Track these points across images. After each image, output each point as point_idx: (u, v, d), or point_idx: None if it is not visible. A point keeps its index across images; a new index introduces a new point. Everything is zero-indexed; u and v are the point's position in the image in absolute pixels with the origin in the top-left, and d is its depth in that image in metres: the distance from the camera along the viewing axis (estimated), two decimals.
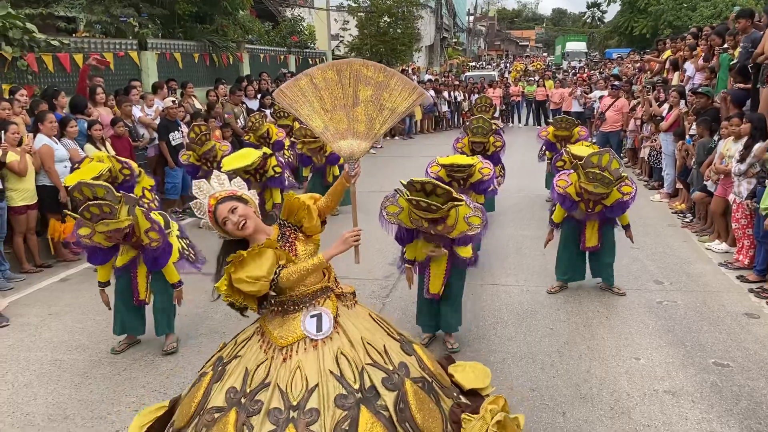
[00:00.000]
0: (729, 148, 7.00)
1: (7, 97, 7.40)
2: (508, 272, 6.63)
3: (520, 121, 22.23)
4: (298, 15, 23.17)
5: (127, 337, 4.99)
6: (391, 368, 2.95)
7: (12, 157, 6.53)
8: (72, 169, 6.50)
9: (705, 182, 7.57)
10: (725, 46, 9.49)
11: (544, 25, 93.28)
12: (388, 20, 24.98)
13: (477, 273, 6.44)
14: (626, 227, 5.92)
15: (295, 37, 20.48)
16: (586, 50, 50.37)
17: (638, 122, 12.00)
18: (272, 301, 3.03)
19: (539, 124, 19.60)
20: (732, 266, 6.63)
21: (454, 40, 51.27)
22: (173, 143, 9.26)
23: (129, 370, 4.63)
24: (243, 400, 2.84)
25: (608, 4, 39.77)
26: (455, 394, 3.25)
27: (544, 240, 6.12)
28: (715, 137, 7.63)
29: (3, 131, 6.55)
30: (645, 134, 11.47)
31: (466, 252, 4.63)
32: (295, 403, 2.79)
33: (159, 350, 4.89)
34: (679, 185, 9.41)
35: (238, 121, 11.13)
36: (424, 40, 33.89)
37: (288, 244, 3.06)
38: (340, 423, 2.74)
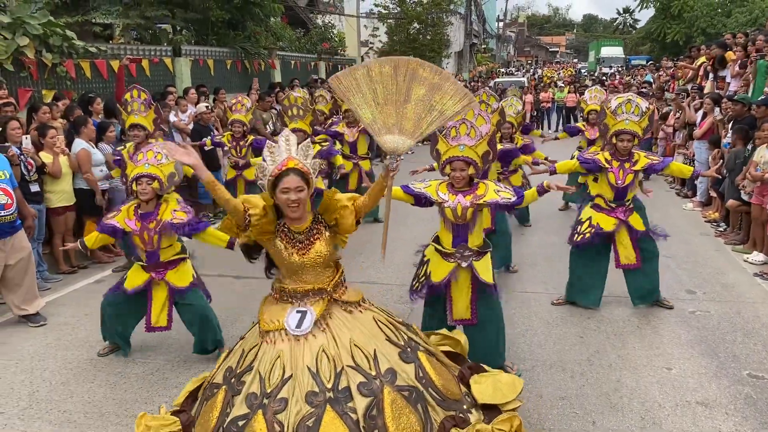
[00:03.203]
0: (763, 155, 6.89)
1: (49, 101, 7.61)
2: (537, 280, 6.60)
3: (550, 128, 22.09)
4: (329, 22, 23.40)
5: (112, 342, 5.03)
6: (373, 374, 2.98)
7: (49, 159, 6.72)
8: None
9: (740, 190, 7.44)
10: (763, 52, 9.35)
11: (575, 31, 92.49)
12: (418, 27, 25.06)
13: (507, 280, 6.44)
14: (694, 173, 5.86)
15: (326, 43, 20.66)
16: (624, 55, 47.26)
17: (670, 130, 11.85)
18: (274, 286, 3.27)
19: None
20: (767, 276, 6.51)
21: (483, 47, 51.16)
22: (206, 149, 9.40)
23: (162, 370, 4.72)
24: (233, 380, 3.06)
25: (641, 10, 39.21)
26: (465, 407, 3.20)
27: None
28: (749, 146, 7.51)
29: (42, 135, 6.74)
30: (678, 142, 11.32)
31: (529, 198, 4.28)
32: (269, 391, 2.94)
33: (191, 350, 4.96)
34: (712, 194, 9.27)
35: (268, 127, 11.26)
36: (454, 46, 33.87)
37: (309, 239, 3.13)
38: (305, 419, 2.84)
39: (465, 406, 3.21)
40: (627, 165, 5.38)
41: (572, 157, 7.00)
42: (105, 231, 4.71)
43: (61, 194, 6.94)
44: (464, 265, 4.22)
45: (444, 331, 3.98)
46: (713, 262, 7.12)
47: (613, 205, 5.49)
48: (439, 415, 3.05)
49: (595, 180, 5.64)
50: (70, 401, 4.33)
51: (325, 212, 3.21)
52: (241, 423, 2.91)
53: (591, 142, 8.21)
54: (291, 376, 2.95)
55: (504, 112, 6.82)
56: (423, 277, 4.38)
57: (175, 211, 4.64)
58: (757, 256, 7.06)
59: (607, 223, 5.49)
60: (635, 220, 5.50)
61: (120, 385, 4.51)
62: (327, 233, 3.18)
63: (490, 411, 3.31)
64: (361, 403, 2.88)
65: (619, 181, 5.39)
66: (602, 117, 5.55)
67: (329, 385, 2.92)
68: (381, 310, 3.40)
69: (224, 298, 6.05)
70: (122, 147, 6.53)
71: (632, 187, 5.48)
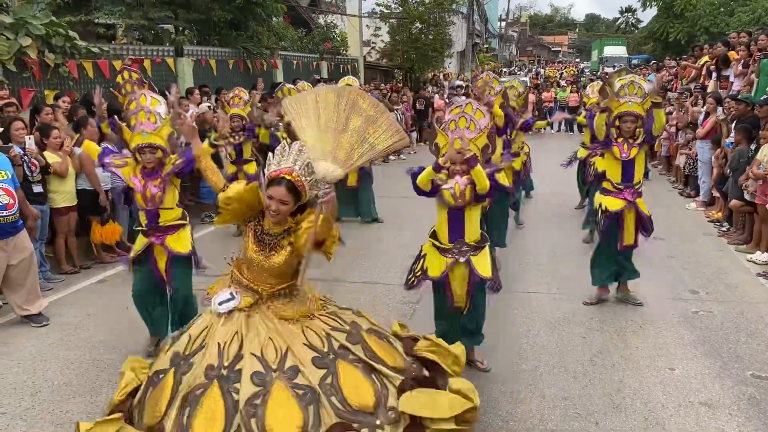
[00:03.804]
0: (765, 153, 6.87)
1: (51, 102, 7.62)
2: (540, 280, 6.59)
3: (552, 128, 22.05)
4: (331, 22, 23.38)
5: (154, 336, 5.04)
6: (274, 367, 3.03)
7: (53, 158, 6.73)
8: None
9: (744, 190, 7.42)
10: (766, 51, 9.32)
11: (577, 30, 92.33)
12: (420, 26, 25.02)
13: (509, 280, 6.42)
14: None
15: (328, 43, 20.66)
16: (627, 55, 46.70)
17: (673, 129, 11.82)
18: (232, 271, 3.39)
19: (571, 130, 19.43)
20: None
21: (485, 46, 51.11)
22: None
23: None
24: (181, 362, 3.15)
25: (644, 9, 39.05)
26: (378, 422, 3.00)
27: (577, 247, 6.07)
28: (752, 146, 7.49)
29: (45, 136, 6.75)
30: (681, 142, 11.30)
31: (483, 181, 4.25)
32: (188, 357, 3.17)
33: None
34: (715, 193, 9.24)
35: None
36: (456, 46, 33.83)
37: (272, 245, 3.21)
38: (194, 390, 2.99)
39: (378, 421, 3.01)
40: (631, 140, 5.44)
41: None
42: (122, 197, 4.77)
43: (64, 194, 6.95)
44: (462, 260, 4.29)
45: (440, 340, 3.63)
46: (716, 262, 7.10)
47: (621, 187, 5.54)
48: (333, 421, 2.96)
49: (602, 155, 5.73)
50: (73, 401, 4.33)
51: (297, 225, 3.21)
52: (199, 392, 3.00)
53: (593, 139, 8.16)
54: (203, 346, 3.15)
55: (507, 95, 6.92)
56: (419, 272, 4.43)
57: (174, 164, 4.70)
58: (761, 256, 7.03)
59: (615, 204, 5.55)
60: (642, 204, 5.59)
61: None
62: (288, 248, 3.20)
63: (416, 429, 3.10)
64: (248, 388, 2.96)
65: (624, 154, 5.43)
66: (603, 96, 5.61)
67: (226, 364, 3.04)
68: (329, 314, 3.36)
69: None
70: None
71: (638, 167, 5.53)
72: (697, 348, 4.96)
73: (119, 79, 6.63)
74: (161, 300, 4.95)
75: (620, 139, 5.45)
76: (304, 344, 3.14)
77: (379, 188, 9.04)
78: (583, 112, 9.25)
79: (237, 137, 8.09)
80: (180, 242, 4.79)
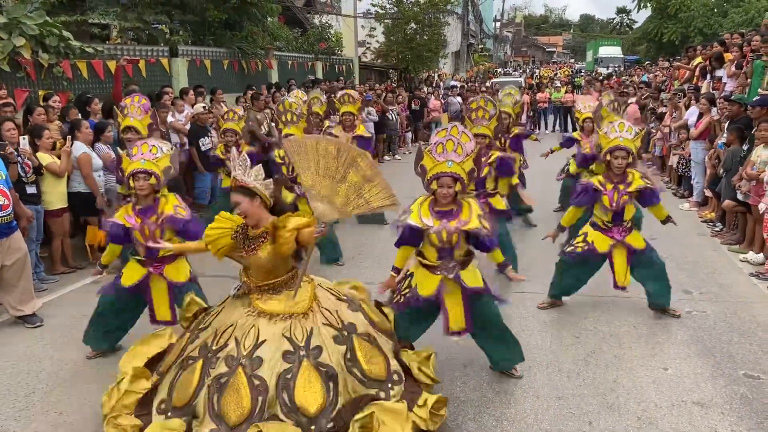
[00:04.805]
0: (759, 154, 6.91)
1: (42, 103, 7.60)
2: (534, 280, 6.57)
3: (547, 128, 22.11)
4: (326, 22, 23.37)
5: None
6: (301, 345, 3.56)
7: (48, 159, 6.71)
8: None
9: (737, 190, 7.46)
10: (759, 52, 9.37)
11: (572, 31, 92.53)
12: (415, 27, 25.04)
13: (503, 280, 6.43)
14: (667, 219, 5.55)
15: (323, 43, 20.65)
16: (622, 55, 46.69)
17: (667, 130, 11.87)
18: None
19: (566, 131, 19.46)
20: (764, 276, 6.53)
21: (480, 47, 51.18)
22: (203, 149, 9.41)
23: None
24: (209, 355, 3.62)
25: (638, 10, 39.16)
26: (389, 385, 3.69)
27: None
28: (745, 146, 7.53)
29: (36, 137, 6.73)
30: (674, 142, 11.34)
31: (496, 257, 4.40)
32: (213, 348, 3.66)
33: None
34: (708, 193, 9.28)
35: (263, 127, 11.24)
36: (451, 46, 33.89)
37: (255, 244, 3.67)
38: (221, 375, 3.51)
39: (389, 384, 3.70)
40: (621, 187, 5.32)
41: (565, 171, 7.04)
42: (114, 232, 4.70)
43: (59, 196, 6.93)
44: (450, 276, 4.20)
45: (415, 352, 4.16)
46: (710, 262, 7.14)
47: (610, 225, 5.47)
48: (354, 395, 3.55)
49: (586, 165, 5.71)
50: (67, 402, 4.32)
51: (277, 228, 3.61)
52: (189, 363, 3.63)
53: (584, 159, 7.99)
54: (227, 343, 3.63)
55: (501, 117, 6.79)
56: (406, 290, 4.32)
57: (176, 206, 4.71)
58: (756, 256, 7.07)
59: (603, 243, 5.46)
60: (634, 239, 5.46)
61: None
62: (269, 246, 3.62)
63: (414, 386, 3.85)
64: (280, 366, 3.48)
65: (614, 204, 5.34)
66: (597, 116, 5.59)
67: (244, 353, 3.52)
68: (335, 295, 3.94)
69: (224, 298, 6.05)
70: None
71: (629, 209, 5.42)
72: (690, 347, 4.99)
73: (127, 100, 6.57)
74: (131, 322, 4.99)
75: (610, 186, 5.33)
76: (285, 335, 3.60)
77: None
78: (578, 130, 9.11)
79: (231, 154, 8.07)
80: (179, 271, 4.78)
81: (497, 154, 6.29)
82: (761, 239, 6.98)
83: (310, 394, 3.43)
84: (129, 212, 4.68)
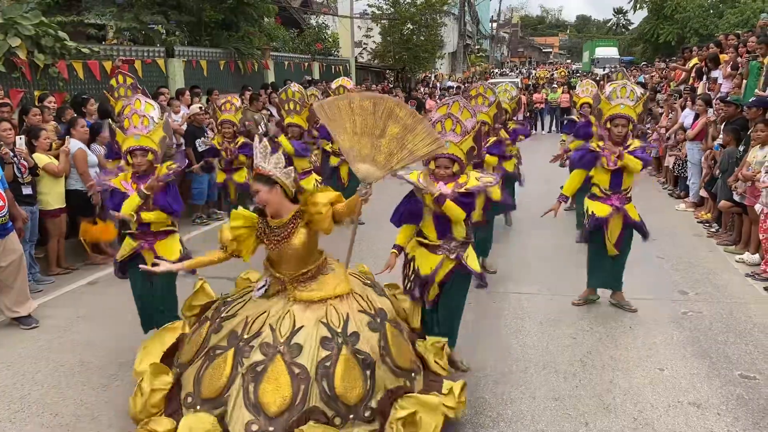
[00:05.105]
0: (755, 155, 6.92)
1: (37, 104, 7.58)
2: (531, 280, 6.61)
3: (543, 128, 22.13)
4: (323, 22, 23.35)
5: None
6: (339, 331, 3.51)
7: (45, 160, 6.69)
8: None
9: (733, 191, 7.47)
10: (755, 53, 9.39)
11: (568, 31, 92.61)
12: (412, 27, 25.03)
13: (499, 280, 6.45)
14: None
15: (320, 44, 20.63)
16: (619, 56, 46.29)
17: (663, 131, 11.89)
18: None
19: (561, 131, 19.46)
20: (759, 277, 6.54)
21: (477, 47, 51.19)
22: (199, 149, 9.38)
23: None
24: (240, 344, 3.52)
25: (634, 11, 39.22)
26: (413, 375, 3.74)
27: (568, 247, 6.07)
28: (741, 147, 7.54)
29: (34, 137, 6.71)
30: (670, 143, 11.36)
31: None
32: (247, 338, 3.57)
33: None
34: (704, 194, 9.30)
35: (260, 127, 11.23)
36: (447, 47, 33.87)
37: (285, 233, 3.58)
38: (254, 366, 3.44)
39: (413, 374, 3.74)
40: (620, 149, 5.35)
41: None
42: (112, 202, 4.66)
43: (57, 196, 6.92)
44: (452, 257, 4.25)
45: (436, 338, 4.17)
46: (705, 263, 7.15)
47: (609, 193, 5.49)
48: (387, 385, 3.54)
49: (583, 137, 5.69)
50: (62, 404, 4.30)
51: (305, 210, 3.59)
52: (218, 352, 3.55)
53: (585, 126, 7.99)
54: (261, 331, 3.54)
55: (501, 105, 6.80)
56: (412, 274, 4.36)
57: (169, 166, 4.72)
58: (752, 256, 7.08)
59: (602, 209, 5.49)
60: (632, 210, 5.52)
61: (112, 388, 4.49)
62: (303, 229, 3.57)
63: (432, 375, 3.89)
64: (320, 353, 3.42)
65: (611, 164, 5.35)
66: (596, 103, 5.57)
67: (281, 340, 3.45)
68: (361, 280, 3.96)
69: None
70: None
71: (627, 174, 5.44)
72: (686, 348, 5.00)
73: (113, 82, 6.68)
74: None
75: (607, 150, 5.36)
76: (322, 321, 3.54)
77: (376, 186, 9.00)
78: (576, 114, 9.21)
79: (229, 147, 8.08)
80: (169, 249, 4.76)
81: (494, 139, 6.39)
82: (757, 240, 6.99)
83: (349, 382, 3.38)
84: (127, 179, 4.68)
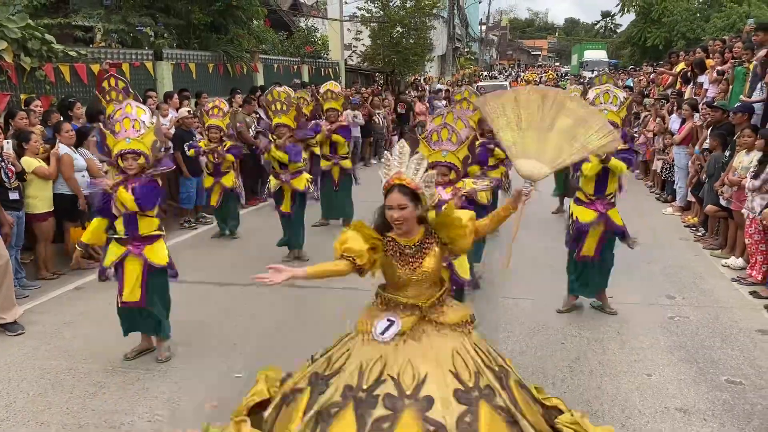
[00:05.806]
0: (741, 160, 6.99)
1: (23, 107, 7.53)
2: (520, 285, 6.62)
3: None
4: (312, 25, 23.34)
5: (140, 344, 5.03)
6: (408, 393, 2.94)
7: (35, 164, 6.65)
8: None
9: (719, 196, 7.54)
10: (741, 59, 9.48)
11: (557, 34, 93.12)
12: (401, 30, 25.05)
13: (487, 286, 6.45)
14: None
15: (309, 47, 20.61)
16: (608, 59, 46.44)
17: (650, 135, 11.98)
18: (381, 296, 3.24)
19: None
20: (745, 282, 6.60)
21: (466, 50, 51.33)
22: (188, 153, 9.33)
23: (142, 380, 4.67)
24: (320, 382, 3.08)
25: (622, 14, 39.47)
26: None
27: (558, 251, 6.09)
28: (726, 152, 7.61)
29: (24, 141, 6.67)
30: (657, 147, 11.45)
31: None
32: (365, 387, 2.97)
33: (172, 360, 4.92)
34: (691, 198, 9.38)
35: (251, 130, 11.21)
36: (437, 50, 33.95)
37: (419, 253, 3.11)
38: (329, 408, 2.95)
39: None
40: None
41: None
42: (100, 202, 4.66)
43: (45, 200, 6.88)
44: (444, 265, 4.25)
45: (585, 421, 3.45)
46: (692, 267, 7.20)
47: (593, 198, 5.53)
48: None
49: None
50: (48, 412, 4.26)
51: (441, 228, 3.17)
52: (334, 411, 2.96)
53: None
54: (383, 379, 2.98)
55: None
56: None
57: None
58: (736, 261, 7.14)
59: (586, 215, 5.52)
60: (615, 215, 5.55)
61: (99, 396, 4.45)
62: (438, 249, 3.15)
63: None
64: (456, 408, 2.88)
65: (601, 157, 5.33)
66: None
67: (365, 386, 2.97)
68: (483, 348, 3.30)
69: (205, 305, 6.02)
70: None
71: (611, 178, 5.47)
72: (673, 353, 5.03)
73: (105, 84, 6.64)
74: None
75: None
76: (451, 371, 3.02)
77: (363, 192, 9.02)
78: None
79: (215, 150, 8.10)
80: (157, 254, 4.77)
81: (478, 142, 6.44)
82: (742, 244, 7.05)
83: None
84: (116, 180, 4.65)
